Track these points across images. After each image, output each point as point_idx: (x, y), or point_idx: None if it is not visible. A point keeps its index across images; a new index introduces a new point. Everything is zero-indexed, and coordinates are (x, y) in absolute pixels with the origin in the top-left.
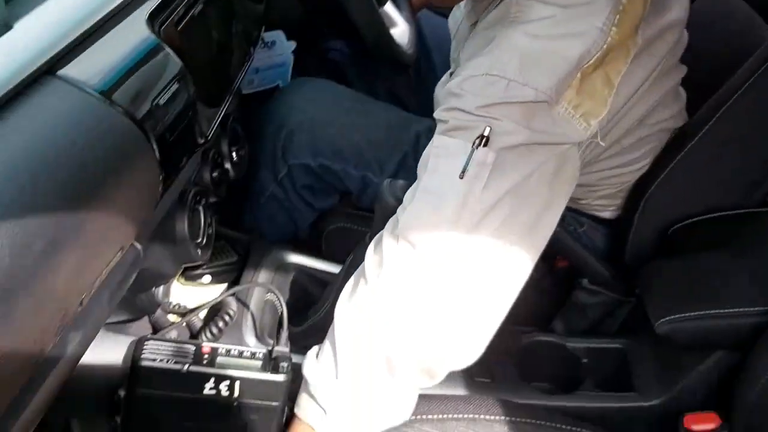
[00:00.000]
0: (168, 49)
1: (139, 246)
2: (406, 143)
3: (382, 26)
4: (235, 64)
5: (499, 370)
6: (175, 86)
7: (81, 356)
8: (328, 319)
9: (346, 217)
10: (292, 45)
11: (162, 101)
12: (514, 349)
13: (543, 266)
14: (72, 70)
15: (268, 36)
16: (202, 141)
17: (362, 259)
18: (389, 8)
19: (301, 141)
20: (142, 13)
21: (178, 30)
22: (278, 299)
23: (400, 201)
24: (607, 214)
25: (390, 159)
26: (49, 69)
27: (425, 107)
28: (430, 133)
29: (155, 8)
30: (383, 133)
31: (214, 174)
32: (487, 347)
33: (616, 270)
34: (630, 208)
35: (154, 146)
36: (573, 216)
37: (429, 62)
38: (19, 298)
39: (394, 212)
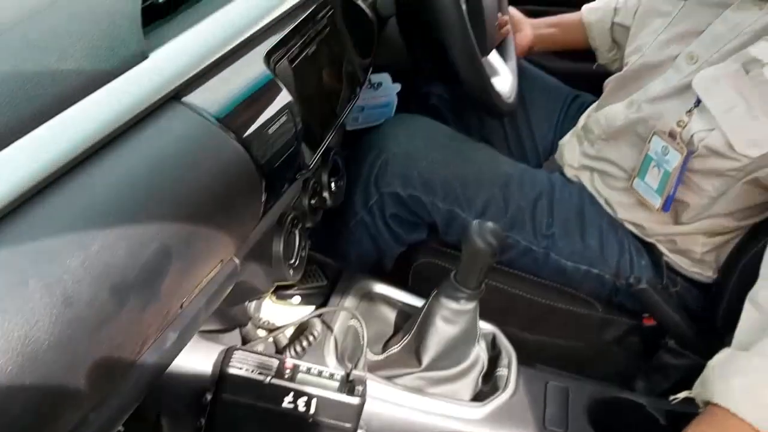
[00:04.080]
0: (280, 84)
1: (237, 260)
2: (495, 184)
3: (482, 75)
4: (340, 103)
5: (574, 422)
6: (284, 119)
7: (175, 357)
8: (407, 351)
9: (435, 254)
10: (397, 87)
11: (271, 131)
12: (592, 404)
13: (630, 323)
14: (195, 97)
15: (375, 77)
16: (303, 170)
17: (445, 296)
18: (494, 57)
19: (394, 171)
20: (262, 49)
21: (292, 67)
22: (361, 325)
23: (487, 243)
24: (703, 278)
25: (477, 196)
26: (176, 95)
27: (516, 155)
28: (520, 176)
29: (273, 47)
30: (473, 172)
31: (312, 201)
32: (565, 399)
33: (705, 333)
34: (726, 273)
35: (260, 171)
36: (669, 275)
37: (525, 113)
38: (130, 292)
39: (480, 253)
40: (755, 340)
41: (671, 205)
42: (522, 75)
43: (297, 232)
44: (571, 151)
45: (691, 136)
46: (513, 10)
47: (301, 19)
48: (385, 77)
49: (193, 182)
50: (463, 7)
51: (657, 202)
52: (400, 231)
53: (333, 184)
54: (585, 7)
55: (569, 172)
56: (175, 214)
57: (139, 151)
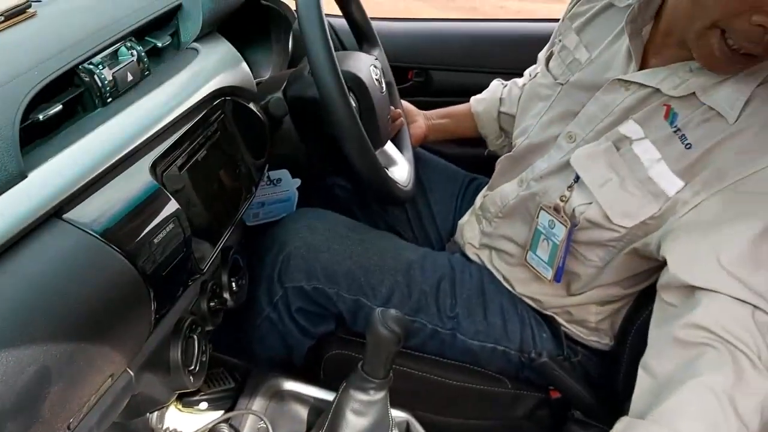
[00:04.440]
0: (167, 193)
1: (131, 372)
2: (398, 270)
3: (377, 167)
4: (235, 203)
5: None
6: (171, 226)
7: None
8: None
9: (345, 344)
10: (297, 182)
11: (157, 240)
12: None
13: (538, 397)
14: (77, 213)
15: (274, 174)
16: (197, 275)
17: (354, 387)
18: (389, 147)
19: (297, 265)
20: (147, 160)
21: (180, 174)
22: (268, 430)
23: (391, 331)
24: (601, 346)
25: (381, 284)
26: (56, 213)
27: (420, 239)
28: (421, 261)
29: (159, 156)
30: (375, 260)
31: (212, 303)
32: None
33: (608, 401)
34: (621, 340)
35: (148, 282)
36: (569, 345)
37: (425, 197)
38: (6, 420)
39: (385, 341)
40: (650, 407)
41: (562, 275)
42: (420, 162)
43: (196, 336)
44: (470, 230)
45: (573, 209)
46: (406, 104)
47: (189, 126)
48: (284, 173)
49: (76, 299)
50: (354, 104)
51: (549, 273)
52: (307, 325)
53: (234, 284)
54: (473, 99)
55: (470, 251)
56: (57, 334)
57: (17, 272)
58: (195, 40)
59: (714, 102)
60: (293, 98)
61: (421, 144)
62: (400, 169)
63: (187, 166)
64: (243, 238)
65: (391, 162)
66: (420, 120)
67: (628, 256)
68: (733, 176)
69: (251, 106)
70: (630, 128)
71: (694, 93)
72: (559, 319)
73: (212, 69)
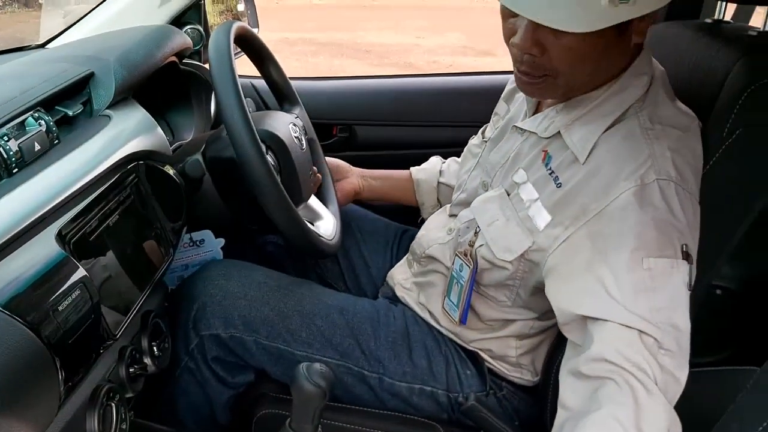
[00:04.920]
0: (74, 260)
1: None
2: (317, 315)
3: (298, 223)
4: (151, 266)
5: None
6: (77, 293)
7: None
8: None
9: (275, 403)
10: (221, 242)
11: (61, 308)
12: None
13: None
14: None
15: (196, 235)
16: (109, 341)
17: None
18: (314, 202)
19: (213, 312)
20: (54, 228)
21: (90, 241)
22: None
23: (316, 385)
24: (524, 382)
25: (302, 330)
26: None
27: (353, 290)
28: (342, 305)
29: (67, 223)
30: (294, 306)
31: (131, 369)
32: None
33: None
34: (545, 375)
35: (52, 351)
36: (494, 381)
37: (359, 249)
38: None
39: (311, 397)
40: None
41: (468, 316)
42: (352, 215)
43: (114, 404)
44: (401, 273)
45: (475, 252)
46: (338, 161)
47: (100, 191)
48: (207, 234)
49: None
50: (273, 162)
51: (456, 315)
52: (224, 374)
53: (156, 348)
54: (413, 168)
55: (399, 292)
56: None
57: None
58: (108, 107)
59: (571, 143)
60: (212, 159)
61: (353, 200)
62: (326, 223)
63: (98, 231)
64: (166, 301)
65: (316, 216)
66: (353, 177)
67: (534, 293)
68: (595, 209)
69: (166, 169)
70: (519, 175)
71: (559, 132)
72: (483, 355)
73: (125, 135)
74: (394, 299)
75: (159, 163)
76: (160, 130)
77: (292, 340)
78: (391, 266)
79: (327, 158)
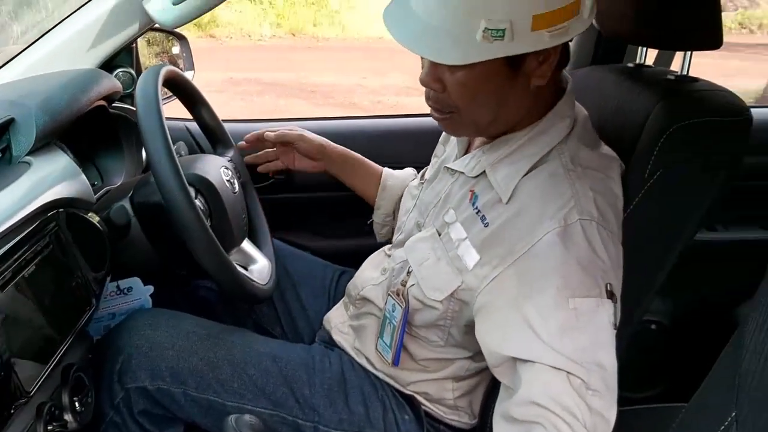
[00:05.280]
0: None
1: None
2: (248, 364)
3: (229, 269)
4: (71, 318)
5: None
6: None
7: None
8: None
9: None
10: (150, 289)
11: None
12: None
13: None
14: None
15: (124, 283)
16: (22, 399)
17: None
18: (247, 246)
19: (139, 364)
20: None
21: (3, 292)
22: None
23: None
24: (461, 425)
25: (233, 380)
26: None
27: (290, 335)
28: (274, 353)
29: None
30: (224, 355)
31: (50, 427)
32: None
33: None
34: (482, 417)
35: None
36: (432, 424)
37: (295, 292)
38: None
39: None
40: None
41: (401, 357)
42: (288, 257)
43: None
44: (338, 317)
45: (407, 291)
46: (285, 131)
47: (15, 242)
48: (135, 281)
49: None
50: (202, 206)
51: (389, 356)
52: (152, 428)
53: (78, 404)
54: (386, 170)
55: (336, 336)
56: None
57: None
58: (29, 153)
59: (495, 182)
60: (140, 204)
61: (312, 171)
62: (259, 267)
63: (12, 283)
64: (90, 353)
65: (250, 260)
66: (309, 140)
67: (467, 332)
68: (521, 249)
69: (90, 216)
70: (449, 215)
71: (484, 172)
72: (420, 399)
73: (45, 182)
74: (331, 343)
75: (81, 211)
76: (83, 176)
77: (222, 390)
78: (329, 309)
79: (291, 130)
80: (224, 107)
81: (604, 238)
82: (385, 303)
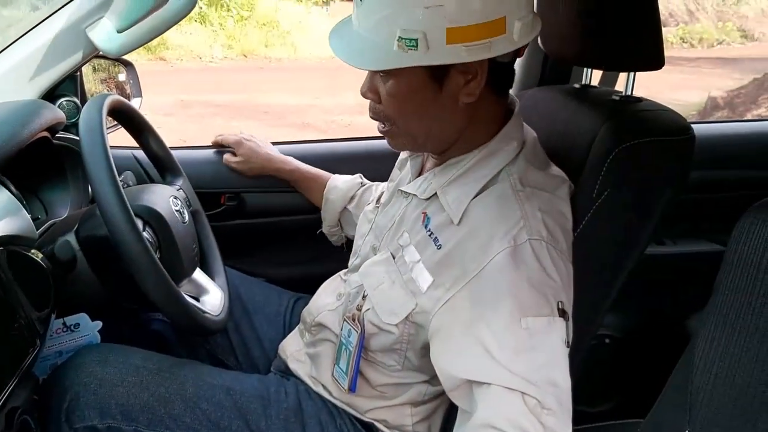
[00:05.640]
0: None
1: None
2: (201, 398)
3: (179, 301)
4: (14, 360)
5: None
6: None
7: None
8: None
9: None
10: (98, 325)
11: None
12: None
13: None
14: None
15: (70, 319)
16: None
17: None
18: (199, 276)
19: (88, 402)
20: None
21: None
22: None
23: None
24: None
25: (185, 414)
26: None
27: (245, 365)
28: (228, 385)
29: None
30: (176, 389)
31: None
32: None
33: None
34: None
35: None
36: None
37: (249, 321)
38: None
39: None
40: None
41: (357, 383)
42: (243, 285)
43: None
44: (293, 345)
45: (363, 316)
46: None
47: None
48: (82, 317)
49: None
50: (151, 237)
51: (345, 383)
52: None
53: None
54: (333, 178)
55: (292, 365)
56: None
57: None
58: None
59: (446, 204)
60: (86, 238)
61: (254, 174)
62: (212, 298)
63: None
64: (35, 394)
65: (202, 291)
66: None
67: (423, 355)
68: (473, 270)
69: (32, 254)
70: (403, 238)
71: (436, 194)
72: (379, 426)
73: None
74: (287, 372)
75: (23, 248)
76: (24, 212)
77: (175, 426)
78: (284, 337)
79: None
80: (175, 130)
81: (554, 257)
82: (341, 328)
